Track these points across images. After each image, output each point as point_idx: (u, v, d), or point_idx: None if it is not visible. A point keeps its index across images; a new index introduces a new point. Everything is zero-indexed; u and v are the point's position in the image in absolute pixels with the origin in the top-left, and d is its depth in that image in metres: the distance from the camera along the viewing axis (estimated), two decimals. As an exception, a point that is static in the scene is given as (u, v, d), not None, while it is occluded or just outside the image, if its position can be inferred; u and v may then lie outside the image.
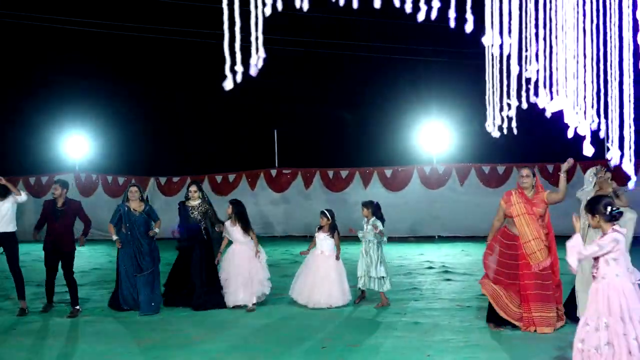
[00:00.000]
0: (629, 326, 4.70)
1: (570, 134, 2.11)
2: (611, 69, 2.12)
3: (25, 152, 24.47)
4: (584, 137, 2.16)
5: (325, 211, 9.88)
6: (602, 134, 2.11)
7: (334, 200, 21.42)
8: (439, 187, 21.08)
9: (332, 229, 9.66)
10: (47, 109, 24.80)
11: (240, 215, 9.63)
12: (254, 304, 9.38)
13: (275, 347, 7.16)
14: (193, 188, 9.82)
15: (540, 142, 21.17)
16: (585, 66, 2.09)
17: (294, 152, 23.79)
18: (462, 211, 20.36)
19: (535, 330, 7.53)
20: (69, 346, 7.40)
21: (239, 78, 1.96)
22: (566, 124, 2.14)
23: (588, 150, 2.09)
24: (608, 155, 2.21)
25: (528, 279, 7.58)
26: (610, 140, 2.12)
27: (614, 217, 5.00)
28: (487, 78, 2.25)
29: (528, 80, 2.13)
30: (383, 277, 9.33)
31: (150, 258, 9.34)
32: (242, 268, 9.49)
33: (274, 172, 22.62)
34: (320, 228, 9.75)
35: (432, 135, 21.52)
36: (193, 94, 26.01)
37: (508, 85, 2.17)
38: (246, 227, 9.59)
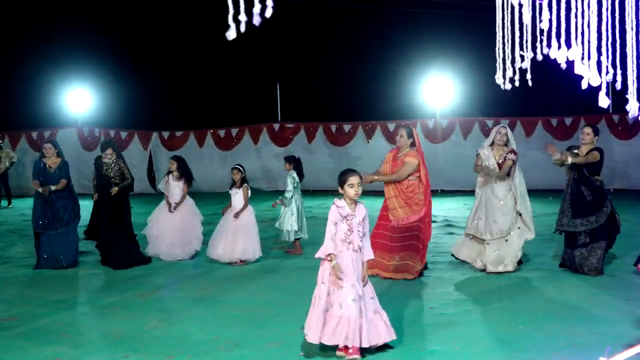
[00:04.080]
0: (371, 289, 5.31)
1: (584, 85, 2.06)
2: (629, 18, 2.07)
3: (27, 106, 24.34)
4: (596, 89, 2.11)
5: (239, 166, 9.80)
6: (618, 86, 2.06)
7: (336, 154, 21.42)
8: (443, 141, 21.02)
9: (242, 183, 9.61)
10: (48, 63, 24.56)
11: (185, 171, 9.93)
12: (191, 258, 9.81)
13: (287, 299, 7.24)
14: (109, 151, 9.60)
15: (543, 95, 21.03)
16: (600, 15, 2.04)
17: (296, 106, 23.66)
18: (465, 165, 20.17)
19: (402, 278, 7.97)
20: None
21: (242, 28, 1.91)
22: (573, 77, 2.10)
23: (604, 101, 2.04)
24: (628, 107, 2.16)
25: (378, 228, 8.10)
26: (629, 92, 2.07)
27: None
28: (497, 29, 2.20)
29: (541, 32, 2.08)
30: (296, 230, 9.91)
31: (66, 215, 9.34)
32: (178, 224, 9.78)
33: (277, 126, 22.54)
34: (234, 184, 9.68)
35: (436, 89, 21.34)
36: (196, 48, 25.74)
37: (520, 37, 2.12)
38: (189, 184, 9.96)
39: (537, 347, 5.37)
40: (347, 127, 21.89)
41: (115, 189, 9.36)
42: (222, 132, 22.90)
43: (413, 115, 22.26)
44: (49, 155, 9.40)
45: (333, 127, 22.01)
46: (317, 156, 21.45)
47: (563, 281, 7.86)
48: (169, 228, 9.80)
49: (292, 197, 9.89)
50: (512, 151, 8.34)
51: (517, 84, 2.15)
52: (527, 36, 2.14)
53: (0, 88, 25.16)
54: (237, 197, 9.58)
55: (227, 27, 1.92)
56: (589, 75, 2.08)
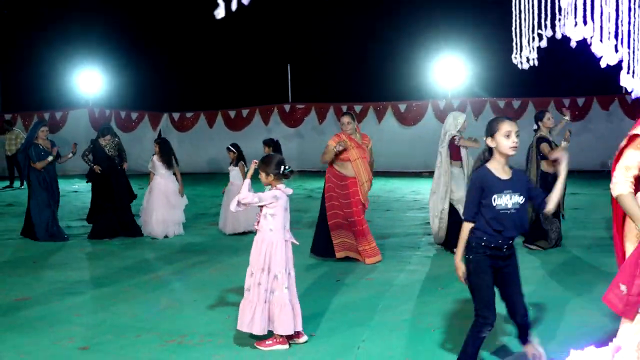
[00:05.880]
0: (264, 277, 5.00)
1: (602, 64, 2.01)
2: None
3: (39, 87, 24.39)
4: (610, 68, 2.07)
5: (230, 146, 10.45)
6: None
7: (347, 135, 21.35)
8: (454, 122, 20.89)
9: (238, 161, 10.27)
10: (60, 44, 24.55)
11: (165, 153, 10.26)
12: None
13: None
14: (108, 137, 10.14)
15: (555, 75, 20.83)
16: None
17: (307, 87, 23.58)
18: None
19: (372, 262, 8.01)
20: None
21: (233, 6, 1.88)
22: (585, 56, 2.06)
23: (626, 81, 1.99)
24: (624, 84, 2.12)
25: (360, 215, 8.11)
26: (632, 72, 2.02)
27: (285, 176, 5.18)
28: (513, 8, 2.15)
29: (559, 10, 2.03)
30: None
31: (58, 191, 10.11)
32: (164, 200, 10.18)
33: (287, 107, 22.50)
34: (231, 163, 10.35)
35: (447, 69, 21.19)
36: (207, 28, 25.64)
37: (539, 15, 2.07)
38: (169, 165, 10.20)
39: (549, 329, 5.36)
40: (358, 108, 21.79)
41: (125, 164, 10.13)
42: (232, 113, 22.88)
43: (424, 95, 22.14)
44: (45, 137, 9.92)
45: (344, 108, 21.91)
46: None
47: (578, 262, 7.83)
48: (155, 204, 10.19)
49: None
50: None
51: (535, 63, 2.10)
52: (547, 13, 2.09)
53: (13, 69, 25.22)
54: (233, 173, 10.29)
55: (216, 5, 1.89)
56: (606, 54, 2.04)
